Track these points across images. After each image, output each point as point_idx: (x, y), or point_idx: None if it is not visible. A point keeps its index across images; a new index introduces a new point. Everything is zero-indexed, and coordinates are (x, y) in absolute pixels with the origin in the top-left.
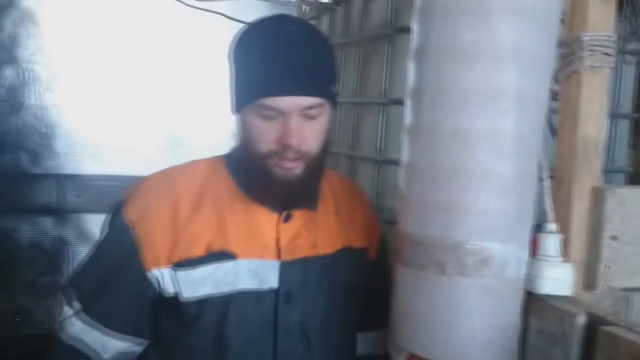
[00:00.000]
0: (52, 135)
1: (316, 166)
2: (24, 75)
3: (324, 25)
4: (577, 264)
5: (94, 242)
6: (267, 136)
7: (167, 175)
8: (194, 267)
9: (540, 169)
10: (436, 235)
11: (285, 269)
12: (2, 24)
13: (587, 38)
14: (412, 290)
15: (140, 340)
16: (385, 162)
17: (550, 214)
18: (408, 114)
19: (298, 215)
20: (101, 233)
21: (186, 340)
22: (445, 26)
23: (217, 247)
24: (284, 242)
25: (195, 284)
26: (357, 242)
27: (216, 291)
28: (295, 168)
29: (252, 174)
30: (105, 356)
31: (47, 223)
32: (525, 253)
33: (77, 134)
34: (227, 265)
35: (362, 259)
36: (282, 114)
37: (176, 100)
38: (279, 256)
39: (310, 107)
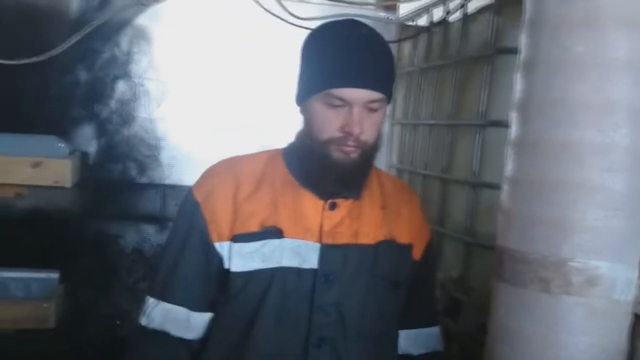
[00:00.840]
0: (159, 147)
1: (369, 156)
2: (135, 89)
3: (420, 46)
4: None
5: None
6: (331, 124)
7: (232, 162)
8: (247, 242)
9: None
10: (541, 252)
11: (325, 252)
12: (119, 41)
13: None
14: (512, 307)
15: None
16: (481, 185)
17: None
18: (514, 127)
19: (343, 205)
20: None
21: (229, 310)
22: (555, 38)
23: (269, 223)
24: (326, 227)
25: (245, 258)
26: (401, 238)
27: (262, 266)
28: (353, 153)
29: (311, 157)
30: (190, 335)
31: (149, 230)
32: (635, 274)
33: (181, 146)
34: (273, 243)
35: (405, 255)
36: (347, 104)
37: (272, 115)
38: (320, 240)
39: (373, 101)
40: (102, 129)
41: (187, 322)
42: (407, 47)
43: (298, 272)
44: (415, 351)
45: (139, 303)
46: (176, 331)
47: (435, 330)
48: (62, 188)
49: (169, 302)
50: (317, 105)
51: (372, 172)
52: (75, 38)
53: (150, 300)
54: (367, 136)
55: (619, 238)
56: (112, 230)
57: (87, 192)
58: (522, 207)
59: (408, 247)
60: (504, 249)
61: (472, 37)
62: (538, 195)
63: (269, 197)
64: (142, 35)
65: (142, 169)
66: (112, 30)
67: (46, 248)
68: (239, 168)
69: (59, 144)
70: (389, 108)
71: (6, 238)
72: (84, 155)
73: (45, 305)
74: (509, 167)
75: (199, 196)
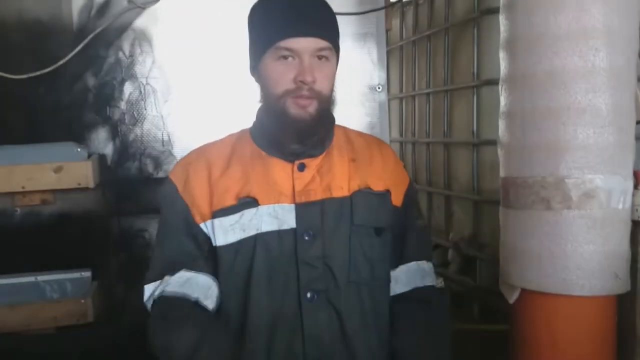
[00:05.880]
0: (171, 141)
1: (326, 109)
2: (142, 89)
3: (408, 19)
4: None
5: None
6: (284, 76)
7: (203, 149)
8: (226, 215)
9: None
10: (540, 174)
11: (301, 210)
12: (121, 45)
13: None
14: (519, 229)
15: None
16: (482, 144)
17: None
18: (502, 65)
19: (311, 164)
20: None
21: (225, 286)
22: None
23: (244, 194)
24: (298, 188)
25: (226, 232)
26: (376, 186)
27: (244, 235)
28: (309, 106)
29: (271, 118)
30: (196, 294)
31: None
32: (629, 184)
33: (192, 138)
34: (250, 212)
35: (383, 201)
36: (297, 55)
37: None
38: (294, 200)
39: (321, 49)
40: (116, 130)
41: (189, 282)
42: (395, 22)
43: (278, 234)
44: (409, 287)
45: None
46: (180, 290)
47: (425, 265)
48: (86, 189)
49: (172, 273)
50: (269, 63)
51: (338, 129)
52: (80, 47)
53: (151, 286)
54: (321, 86)
55: (610, 152)
56: (137, 225)
57: (109, 191)
58: (519, 137)
59: (385, 194)
60: (507, 179)
61: (457, 4)
62: (531, 123)
63: (240, 171)
64: (142, 37)
65: (158, 164)
66: (114, 35)
67: (76, 248)
68: (210, 152)
69: (77, 149)
70: (383, 84)
71: (38, 243)
72: (102, 157)
73: (82, 301)
74: (503, 103)
75: (177, 183)
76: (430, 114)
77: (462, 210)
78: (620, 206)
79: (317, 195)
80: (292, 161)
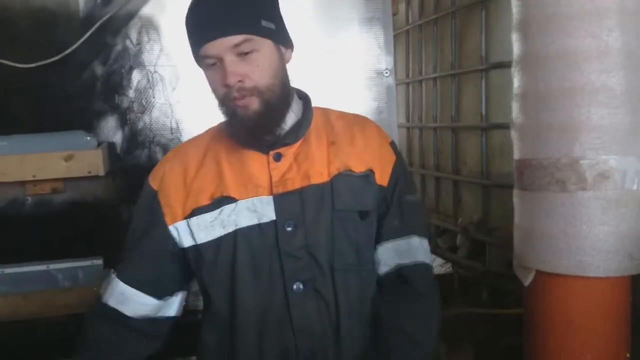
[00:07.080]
0: (180, 129)
1: (275, 99)
2: (151, 77)
3: (414, 3)
4: None
5: None
6: (215, 83)
7: (180, 147)
8: (202, 214)
9: None
10: (554, 156)
11: (279, 201)
12: (129, 33)
13: None
14: (534, 211)
15: (161, 302)
16: (491, 128)
17: None
18: (515, 46)
19: (288, 152)
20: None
21: (209, 282)
22: None
23: (218, 194)
24: (275, 178)
25: (207, 229)
26: (358, 167)
27: (224, 232)
28: (251, 104)
29: (227, 119)
30: (127, 311)
31: None
32: None
33: (200, 126)
34: (228, 208)
35: (366, 183)
36: (217, 59)
37: None
38: (272, 192)
39: (239, 45)
40: (124, 119)
41: (123, 296)
42: (401, 6)
43: (259, 227)
44: (391, 266)
45: None
46: (118, 307)
47: (415, 240)
48: (96, 177)
49: (119, 278)
50: (204, 72)
51: (319, 111)
52: (87, 35)
53: (111, 273)
54: (254, 80)
55: (624, 133)
56: None
57: (119, 179)
58: (533, 118)
59: (368, 175)
60: (521, 161)
61: None
62: (545, 104)
63: (214, 170)
64: (150, 25)
65: (167, 151)
66: (121, 23)
67: (87, 236)
68: (185, 151)
69: (87, 137)
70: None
71: (49, 231)
72: (112, 145)
73: (95, 288)
74: (516, 85)
75: (155, 185)
76: (438, 98)
77: (470, 194)
78: (635, 187)
79: (295, 184)
80: (267, 152)
